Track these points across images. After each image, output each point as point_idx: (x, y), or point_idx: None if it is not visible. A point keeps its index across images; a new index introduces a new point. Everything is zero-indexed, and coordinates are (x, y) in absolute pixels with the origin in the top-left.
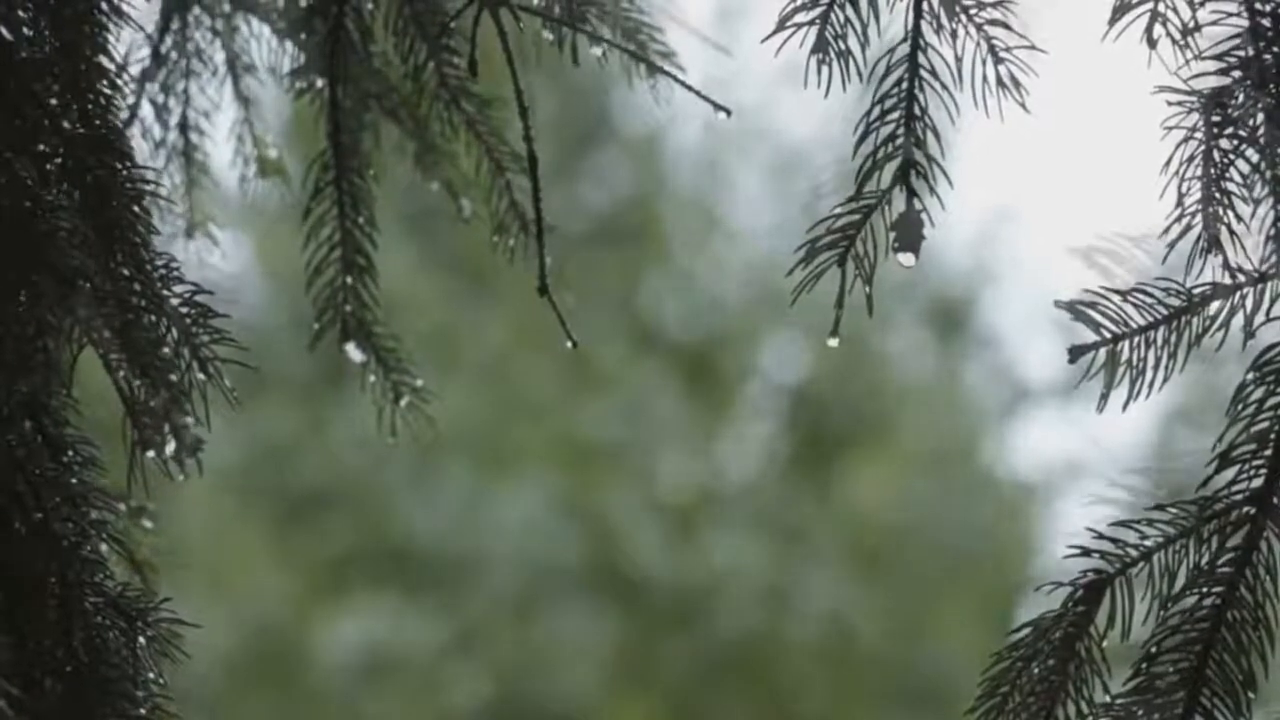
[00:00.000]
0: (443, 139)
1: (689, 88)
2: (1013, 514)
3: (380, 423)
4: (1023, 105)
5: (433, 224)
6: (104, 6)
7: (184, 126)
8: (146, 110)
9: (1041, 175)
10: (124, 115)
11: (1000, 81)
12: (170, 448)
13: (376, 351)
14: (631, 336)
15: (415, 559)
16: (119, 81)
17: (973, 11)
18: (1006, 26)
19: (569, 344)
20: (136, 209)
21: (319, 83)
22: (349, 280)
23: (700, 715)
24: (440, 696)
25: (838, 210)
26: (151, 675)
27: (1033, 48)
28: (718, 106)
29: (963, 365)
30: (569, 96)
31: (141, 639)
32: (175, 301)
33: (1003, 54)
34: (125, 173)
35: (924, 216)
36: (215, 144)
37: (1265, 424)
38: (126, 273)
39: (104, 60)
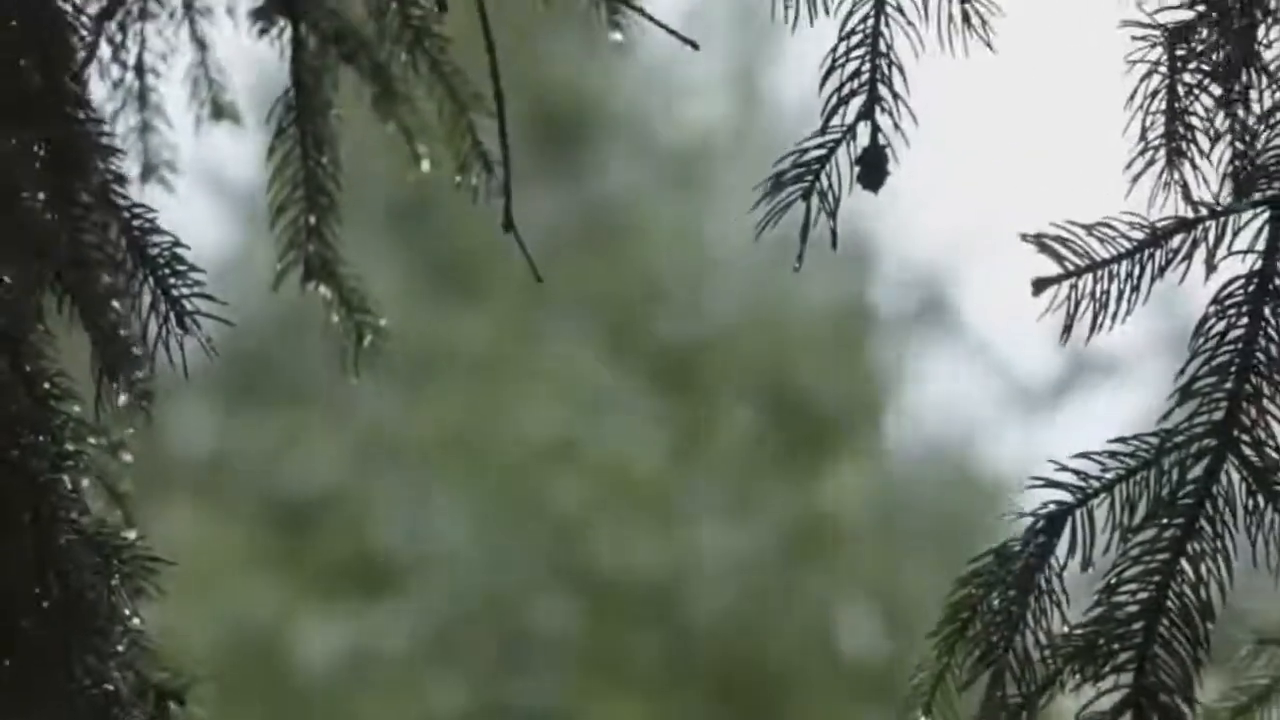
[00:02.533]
0: (403, 83)
1: (655, 20)
2: (997, 510)
3: (344, 362)
4: (988, 44)
5: (410, 227)
6: None
7: (140, 69)
8: (105, 52)
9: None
10: (81, 55)
11: (966, 18)
12: (122, 399)
13: (340, 291)
14: (607, 334)
15: (383, 562)
16: (77, 22)
17: None
18: None
19: (535, 279)
20: (104, 161)
21: (281, 22)
22: (312, 220)
23: (679, 708)
24: (420, 697)
25: (803, 144)
26: (127, 612)
27: None
28: (684, 40)
29: (952, 364)
30: (557, 94)
31: (116, 576)
32: (153, 252)
33: None
34: (89, 124)
35: (888, 152)
36: (171, 86)
37: (1225, 357)
38: (86, 226)
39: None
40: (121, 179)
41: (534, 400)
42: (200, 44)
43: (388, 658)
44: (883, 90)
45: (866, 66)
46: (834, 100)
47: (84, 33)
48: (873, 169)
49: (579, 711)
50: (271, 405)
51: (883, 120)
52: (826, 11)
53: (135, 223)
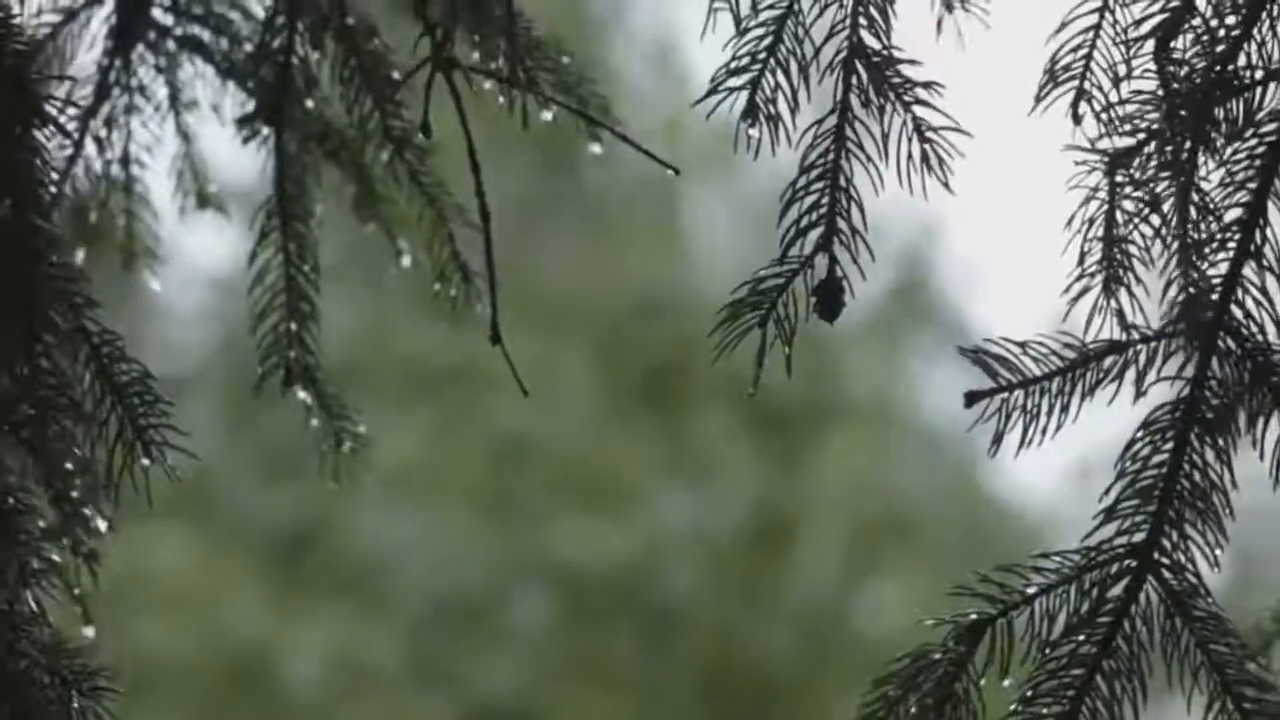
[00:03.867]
0: (384, 185)
1: (638, 147)
2: (988, 504)
3: (323, 467)
4: (945, 185)
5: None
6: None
7: (125, 160)
8: (90, 149)
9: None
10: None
11: (925, 159)
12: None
13: (320, 397)
14: (591, 330)
15: (362, 570)
16: (61, 121)
17: (901, 89)
18: (933, 107)
19: (523, 393)
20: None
21: (264, 130)
22: (293, 327)
23: (659, 699)
24: (406, 704)
25: (762, 272)
26: None
27: (958, 129)
28: (666, 165)
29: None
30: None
31: (76, 703)
32: (122, 379)
33: (928, 133)
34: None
35: (845, 284)
36: (157, 177)
37: (1149, 481)
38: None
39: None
40: (91, 303)
41: (506, 404)
42: (185, 136)
43: (373, 666)
44: (841, 224)
45: (825, 200)
46: (792, 231)
47: (69, 131)
48: (829, 300)
49: (562, 710)
50: (260, 427)
51: (840, 253)
52: (789, 144)
53: (104, 351)
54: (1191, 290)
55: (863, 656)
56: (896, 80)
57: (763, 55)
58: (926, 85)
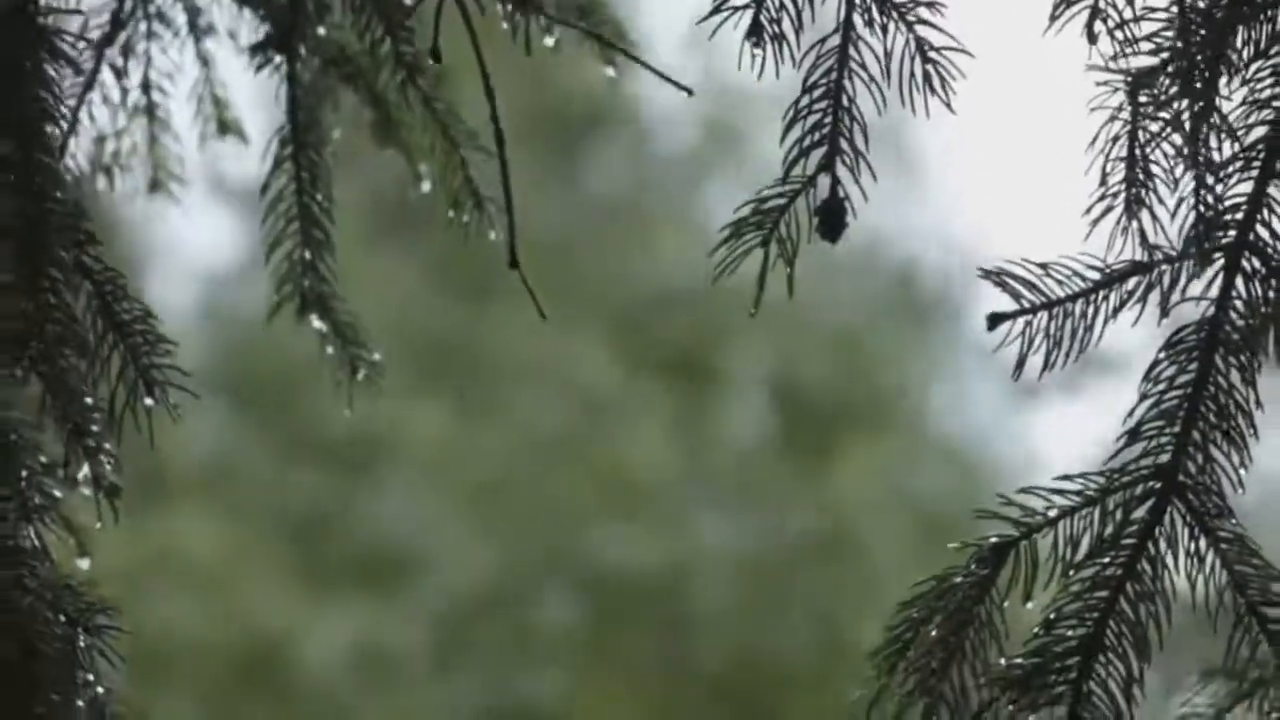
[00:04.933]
0: (399, 109)
1: (649, 67)
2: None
3: (338, 395)
4: (948, 105)
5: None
6: None
7: (146, 86)
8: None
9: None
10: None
11: (927, 79)
12: (88, 490)
13: (334, 325)
14: (613, 327)
15: (386, 559)
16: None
17: (904, 8)
18: (936, 27)
19: (540, 317)
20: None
21: (278, 57)
22: (307, 254)
23: (683, 705)
24: (426, 696)
25: (764, 192)
26: (91, 677)
27: (962, 50)
28: (679, 86)
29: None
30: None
31: (82, 640)
32: (125, 318)
33: (930, 53)
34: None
35: (847, 204)
36: (177, 103)
37: (1174, 401)
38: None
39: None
40: (93, 240)
41: (539, 397)
42: (204, 61)
43: (395, 656)
44: (843, 144)
45: (828, 120)
46: (795, 151)
47: (81, 65)
48: (831, 220)
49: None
50: (281, 407)
51: (842, 173)
52: (793, 63)
53: (106, 288)
54: (1203, 211)
55: None
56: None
57: None
58: (929, 4)
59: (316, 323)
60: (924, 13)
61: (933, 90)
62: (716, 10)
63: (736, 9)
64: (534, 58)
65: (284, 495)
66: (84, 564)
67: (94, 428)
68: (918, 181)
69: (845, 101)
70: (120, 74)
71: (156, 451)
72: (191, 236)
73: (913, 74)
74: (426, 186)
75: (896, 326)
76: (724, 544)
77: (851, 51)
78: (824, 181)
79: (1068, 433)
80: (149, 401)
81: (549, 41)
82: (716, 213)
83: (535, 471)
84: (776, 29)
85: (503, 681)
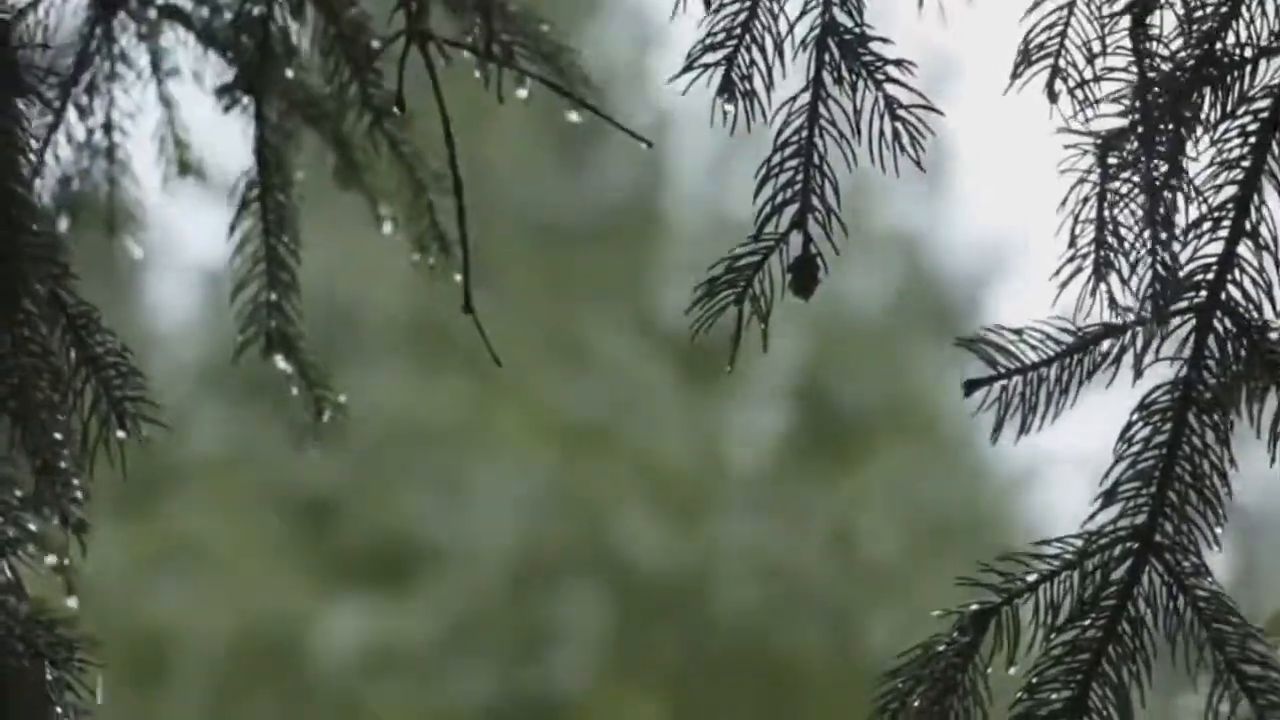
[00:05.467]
0: (363, 153)
1: (612, 121)
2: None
3: (303, 435)
4: (917, 163)
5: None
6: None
7: (108, 127)
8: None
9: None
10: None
11: (896, 136)
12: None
13: (300, 365)
14: (633, 327)
15: (409, 549)
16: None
17: (873, 67)
18: (905, 85)
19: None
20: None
21: (245, 99)
22: (273, 296)
23: (700, 704)
24: (440, 688)
25: (737, 250)
26: (60, 709)
27: (930, 108)
28: (637, 138)
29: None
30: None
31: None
32: (98, 350)
33: (899, 111)
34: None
35: (819, 260)
36: (138, 144)
37: (1149, 462)
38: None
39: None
40: (69, 273)
41: (561, 388)
42: (166, 103)
43: (409, 648)
44: (815, 200)
45: (799, 177)
46: (768, 209)
47: (50, 100)
48: (804, 277)
49: (601, 704)
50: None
51: (814, 230)
52: (764, 119)
53: (80, 322)
54: (1160, 271)
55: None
56: (868, 58)
57: (738, 31)
58: (898, 63)
59: (282, 363)
60: (893, 71)
61: (902, 148)
62: (689, 68)
63: (708, 66)
64: None
65: (294, 485)
66: (72, 603)
67: (63, 464)
68: (946, 184)
69: (816, 159)
70: (84, 113)
71: (162, 444)
72: (192, 233)
73: (882, 132)
74: (388, 228)
75: (923, 330)
76: (744, 544)
77: (821, 109)
78: (796, 238)
79: (1091, 436)
80: (121, 434)
81: (522, 94)
82: (738, 211)
83: (555, 463)
84: (748, 85)
85: (518, 676)
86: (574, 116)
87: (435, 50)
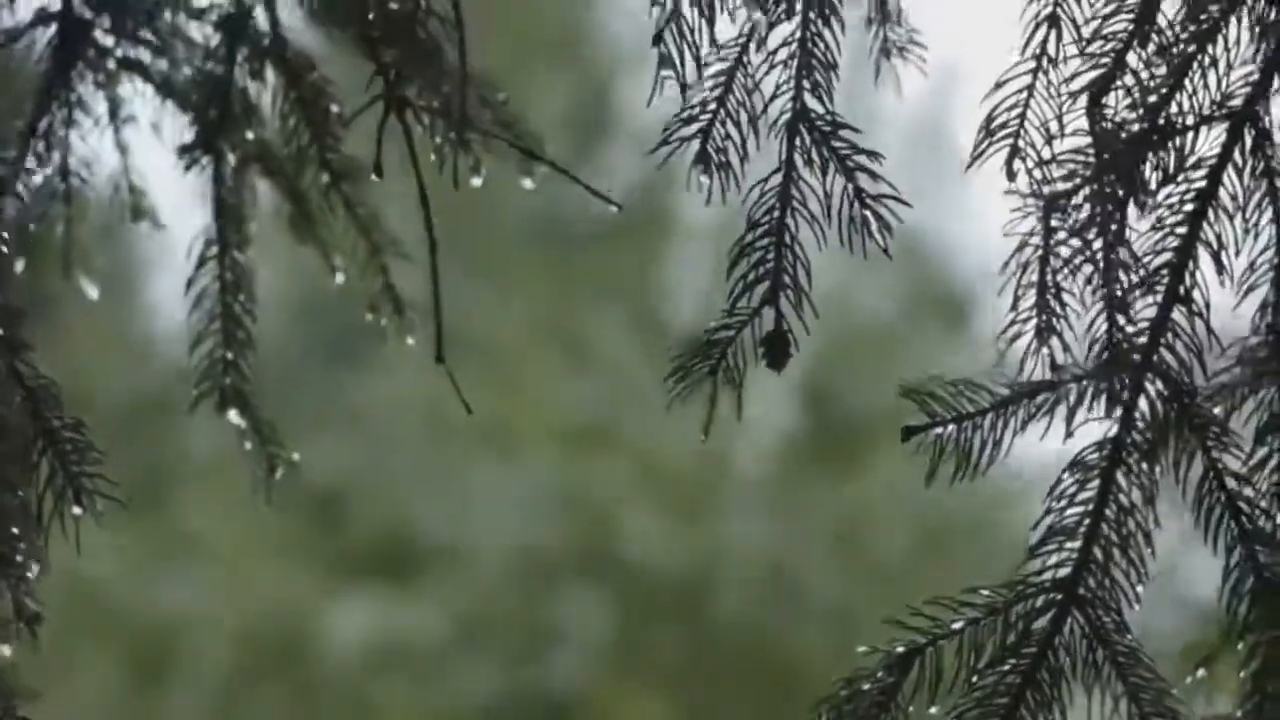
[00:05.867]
0: (319, 208)
1: (581, 183)
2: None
3: (255, 492)
4: (885, 250)
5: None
6: None
7: (65, 173)
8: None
9: None
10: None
11: (865, 224)
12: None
13: (254, 422)
14: (638, 326)
15: (415, 548)
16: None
17: (843, 153)
18: (873, 174)
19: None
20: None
21: (204, 159)
22: (229, 355)
23: (702, 705)
24: (443, 686)
25: (712, 325)
26: None
27: (897, 199)
28: (608, 201)
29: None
30: (578, 89)
31: None
32: (54, 424)
33: (868, 201)
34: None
35: (790, 336)
36: (94, 190)
37: (1074, 519)
38: None
39: None
40: (27, 346)
41: (567, 387)
42: (122, 150)
43: (413, 645)
44: (786, 278)
45: (771, 256)
46: (740, 285)
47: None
48: (775, 350)
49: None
50: (297, 391)
51: (785, 306)
52: (739, 190)
53: (39, 395)
54: (1117, 340)
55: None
56: (839, 146)
57: (713, 106)
58: (870, 154)
59: (235, 419)
60: (863, 160)
61: (870, 235)
62: (665, 142)
63: (684, 139)
64: None
65: (300, 482)
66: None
67: (19, 558)
68: (956, 182)
69: (787, 239)
70: (42, 159)
71: (167, 443)
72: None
73: (852, 218)
74: (341, 278)
75: (929, 331)
76: (747, 545)
77: (793, 191)
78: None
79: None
80: (76, 510)
81: (476, 182)
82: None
83: (559, 462)
84: (722, 158)
85: (522, 674)
86: (528, 183)
87: (411, 116)
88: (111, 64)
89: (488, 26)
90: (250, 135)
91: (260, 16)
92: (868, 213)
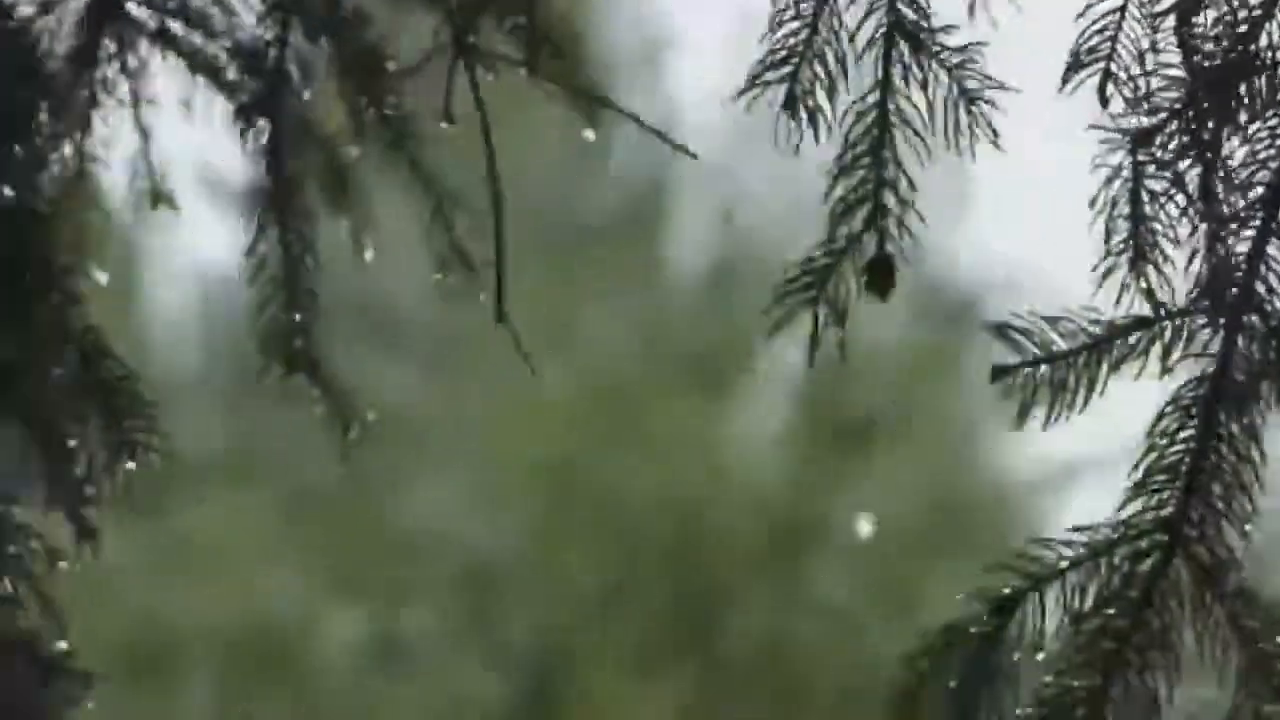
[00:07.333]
0: (364, 178)
1: (657, 132)
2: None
3: (332, 450)
4: (995, 144)
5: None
6: None
7: (80, 155)
8: None
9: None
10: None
11: (973, 124)
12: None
13: (323, 384)
14: (639, 325)
15: (412, 547)
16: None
17: (944, 57)
18: (977, 70)
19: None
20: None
21: (260, 122)
22: (296, 316)
23: (703, 705)
24: (442, 687)
25: (810, 254)
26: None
27: (1003, 87)
28: (680, 149)
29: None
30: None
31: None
32: (104, 377)
33: (975, 96)
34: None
35: (895, 260)
36: (110, 170)
37: (1177, 456)
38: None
39: None
40: (76, 298)
41: (567, 388)
42: (143, 132)
43: (411, 646)
44: (889, 198)
45: (871, 175)
46: (840, 208)
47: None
48: (880, 277)
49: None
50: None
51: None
52: (829, 126)
53: (89, 343)
54: (1216, 266)
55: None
56: (937, 49)
57: (800, 49)
58: (965, 49)
59: (307, 383)
60: (962, 55)
61: (975, 134)
62: (751, 86)
63: (770, 83)
64: None
65: (297, 483)
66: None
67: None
68: (961, 193)
69: (887, 156)
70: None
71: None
72: (191, 234)
73: (956, 121)
74: (370, 255)
75: (932, 333)
76: (749, 545)
77: (890, 106)
78: (870, 239)
79: (1093, 440)
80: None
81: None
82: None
83: (557, 461)
84: (812, 101)
85: (521, 675)
86: (590, 134)
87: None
88: (143, 39)
89: None
90: (307, 95)
91: None
92: (975, 110)
